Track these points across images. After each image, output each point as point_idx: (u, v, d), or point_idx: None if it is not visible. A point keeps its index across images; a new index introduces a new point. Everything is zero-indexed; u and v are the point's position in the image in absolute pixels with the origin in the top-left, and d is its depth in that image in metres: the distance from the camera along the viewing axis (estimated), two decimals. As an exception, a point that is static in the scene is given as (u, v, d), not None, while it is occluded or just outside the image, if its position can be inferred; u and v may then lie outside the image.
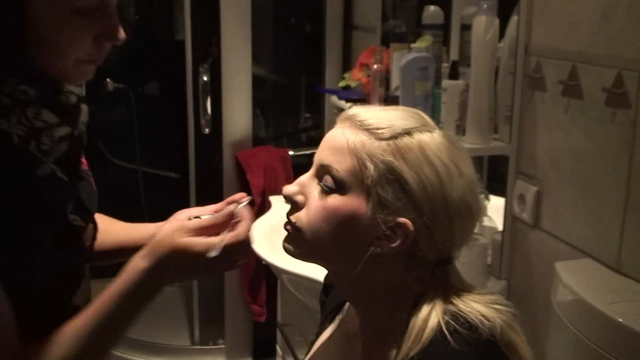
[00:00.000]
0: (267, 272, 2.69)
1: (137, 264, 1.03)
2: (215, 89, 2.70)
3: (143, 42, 3.78)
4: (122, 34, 1.01)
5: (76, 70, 1.00)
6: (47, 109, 0.99)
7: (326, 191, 0.99)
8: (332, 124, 1.03)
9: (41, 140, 0.99)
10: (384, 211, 0.94)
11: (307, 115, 3.21)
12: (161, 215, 1.23)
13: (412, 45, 1.88)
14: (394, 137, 0.96)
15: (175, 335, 3.12)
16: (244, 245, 1.04)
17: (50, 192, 1.01)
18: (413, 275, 0.98)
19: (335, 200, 0.98)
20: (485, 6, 1.68)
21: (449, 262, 1.00)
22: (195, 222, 1.06)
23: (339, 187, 0.98)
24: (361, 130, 0.97)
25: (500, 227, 1.94)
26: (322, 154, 1.01)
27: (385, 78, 2.18)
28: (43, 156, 0.99)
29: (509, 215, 1.87)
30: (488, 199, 2.10)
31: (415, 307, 0.97)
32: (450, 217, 0.95)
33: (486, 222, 2.01)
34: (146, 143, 3.65)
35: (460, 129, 1.79)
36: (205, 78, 2.70)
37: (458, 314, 0.95)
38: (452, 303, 0.97)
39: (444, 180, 0.95)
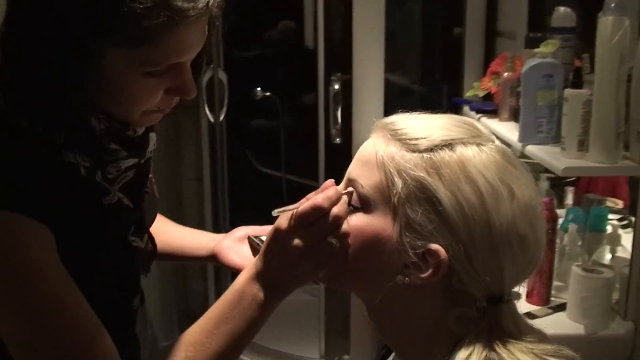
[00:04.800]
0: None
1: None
2: (346, 99, 2.62)
3: (290, 51, 3.80)
4: (193, 90, 0.97)
5: (143, 119, 0.99)
6: (114, 143, 0.98)
7: (350, 209, 0.87)
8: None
9: (107, 170, 0.99)
10: (413, 235, 0.81)
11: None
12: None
13: (535, 50, 1.69)
14: (430, 149, 0.82)
15: (305, 346, 3.07)
16: (321, 213, 0.85)
17: (115, 218, 1.03)
18: (453, 314, 0.84)
19: (358, 219, 0.86)
20: (612, 5, 1.45)
21: (501, 300, 0.84)
22: None
23: (363, 204, 0.86)
24: (393, 141, 0.85)
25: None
26: (352, 167, 0.90)
27: (516, 87, 1.98)
28: (109, 185, 1.00)
29: (639, 246, 1.61)
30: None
31: (451, 353, 0.83)
32: (494, 245, 0.80)
33: (620, 252, 1.76)
34: (290, 151, 3.65)
35: (584, 145, 1.57)
36: (336, 87, 2.62)
37: None
38: (494, 350, 0.81)
39: (487, 202, 0.79)
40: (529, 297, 1.71)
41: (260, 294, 0.90)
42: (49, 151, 0.93)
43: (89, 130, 0.95)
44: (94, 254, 1.01)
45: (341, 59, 2.67)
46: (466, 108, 2.36)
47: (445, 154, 0.81)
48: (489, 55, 2.63)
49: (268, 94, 3.57)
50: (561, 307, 1.70)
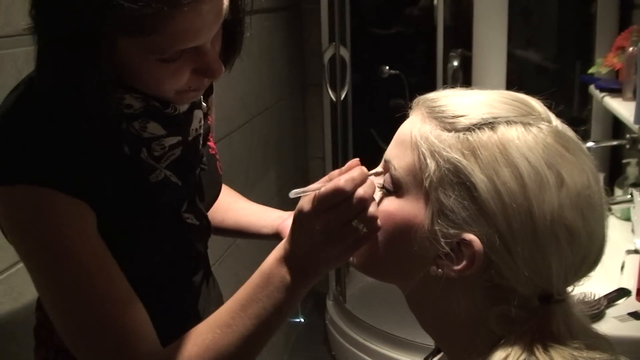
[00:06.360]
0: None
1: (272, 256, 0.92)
2: (466, 76, 2.52)
3: (422, 28, 3.71)
4: (218, 70, 0.94)
5: (178, 98, 0.98)
6: (153, 121, 0.98)
7: (384, 192, 0.81)
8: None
9: (152, 147, 1.00)
10: (445, 223, 0.74)
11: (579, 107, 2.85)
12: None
13: (656, 22, 1.52)
14: (468, 128, 0.74)
15: (421, 332, 3.01)
16: (344, 196, 0.80)
17: (163, 195, 1.03)
18: (495, 312, 0.76)
19: (390, 203, 0.80)
20: None
21: (550, 300, 0.75)
22: None
23: (396, 187, 0.79)
24: (430, 119, 0.78)
25: None
26: (389, 146, 0.83)
27: (644, 63, 1.80)
28: (155, 162, 1.01)
29: None
30: None
31: (488, 353, 0.75)
32: (537, 237, 0.71)
33: None
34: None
35: None
36: (455, 63, 2.52)
37: None
38: (534, 354, 0.73)
39: (529, 189, 0.71)
40: (639, 294, 1.55)
41: (288, 277, 0.87)
42: (93, 130, 0.93)
43: (127, 110, 0.95)
44: (144, 230, 1.02)
45: (463, 35, 2.56)
46: (592, 86, 2.18)
47: (484, 134, 0.73)
48: (624, 29, 2.42)
49: (396, 71, 3.50)
50: (675, 309, 1.53)
